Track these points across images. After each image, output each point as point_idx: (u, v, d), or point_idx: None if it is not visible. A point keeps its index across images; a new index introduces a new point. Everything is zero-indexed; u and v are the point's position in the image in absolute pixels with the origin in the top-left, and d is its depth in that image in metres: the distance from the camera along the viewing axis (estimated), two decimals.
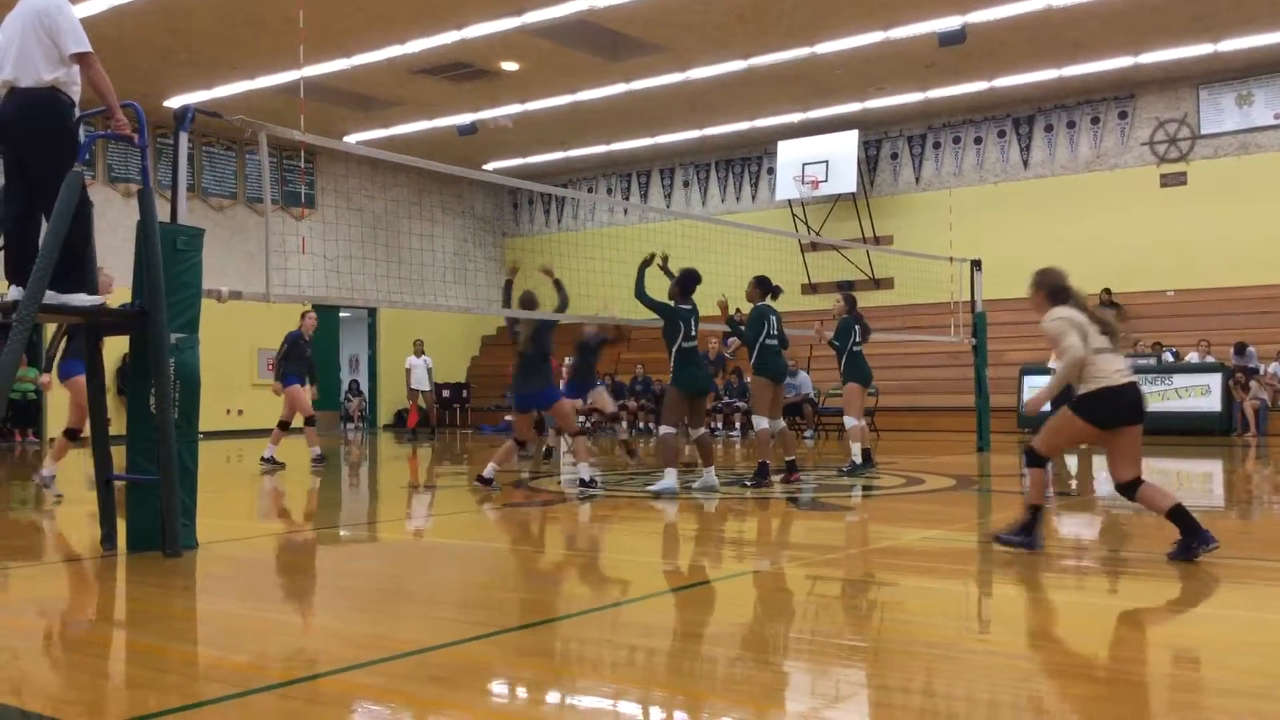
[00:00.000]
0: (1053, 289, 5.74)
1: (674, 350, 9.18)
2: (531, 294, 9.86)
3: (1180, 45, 17.59)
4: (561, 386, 12.33)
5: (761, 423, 9.66)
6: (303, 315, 12.72)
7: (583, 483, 9.30)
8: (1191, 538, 5.33)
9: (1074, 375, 5.58)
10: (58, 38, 5.73)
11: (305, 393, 12.69)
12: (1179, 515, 5.36)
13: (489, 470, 9.47)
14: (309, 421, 12.75)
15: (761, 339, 9.61)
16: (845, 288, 11.55)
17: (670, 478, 8.95)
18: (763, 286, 9.90)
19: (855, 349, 10.93)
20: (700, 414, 9.52)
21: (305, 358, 12.67)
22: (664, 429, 9.31)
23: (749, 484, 9.43)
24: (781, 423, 9.95)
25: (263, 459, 12.47)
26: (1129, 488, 5.52)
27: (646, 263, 9.36)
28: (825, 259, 22.70)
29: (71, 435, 8.99)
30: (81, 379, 8.55)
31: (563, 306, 10.17)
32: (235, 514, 8.91)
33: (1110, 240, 19.78)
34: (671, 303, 9.30)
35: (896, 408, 19.31)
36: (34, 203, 5.93)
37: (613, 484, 10.06)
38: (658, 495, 8.82)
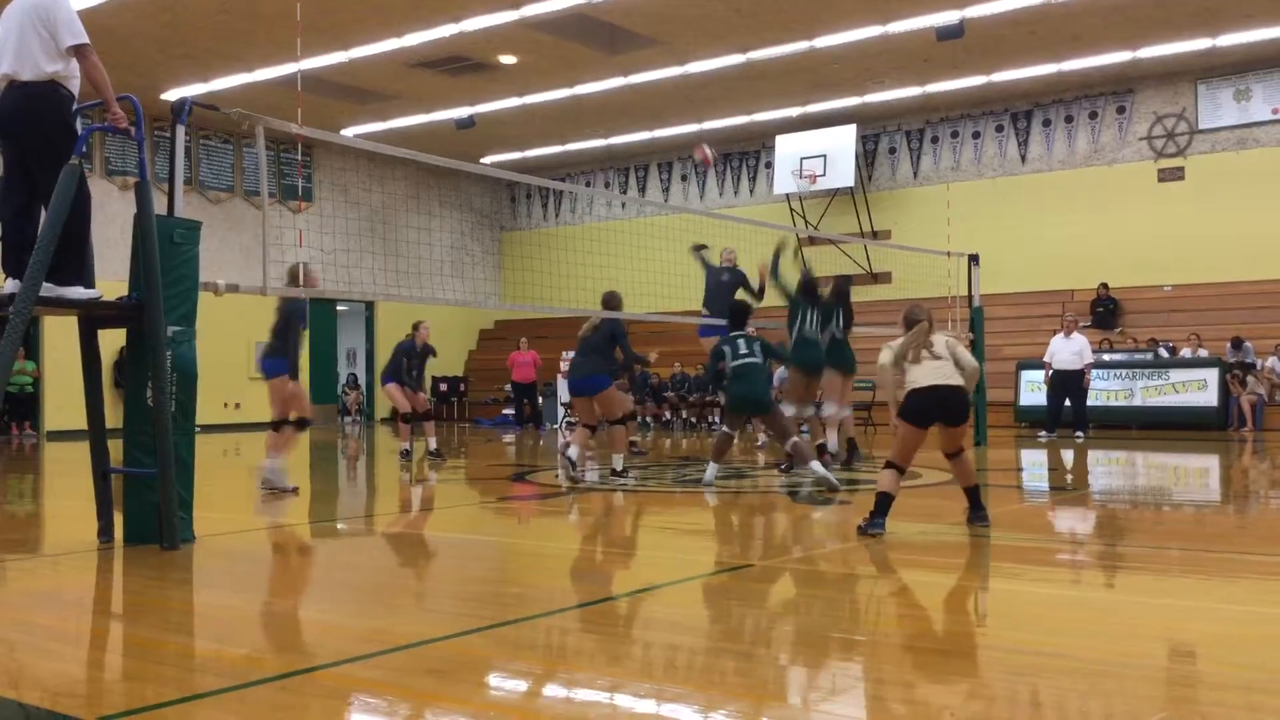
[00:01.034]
0: (907, 321, 6.71)
1: (793, 335, 10.56)
2: (615, 295, 9.98)
3: (1178, 40, 17.57)
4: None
5: (790, 409, 10.35)
6: (417, 326, 12.65)
7: (614, 472, 9.47)
8: (976, 510, 6.55)
9: (887, 387, 6.65)
10: (55, 30, 5.73)
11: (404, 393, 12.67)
12: (969, 493, 6.59)
13: (617, 463, 9.58)
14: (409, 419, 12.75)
15: (798, 330, 10.59)
16: (844, 283, 11.56)
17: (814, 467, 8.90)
18: (806, 289, 10.88)
19: (839, 337, 10.92)
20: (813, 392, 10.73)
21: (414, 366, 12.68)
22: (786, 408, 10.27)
23: (784, 468, 10.07)
24: (811, 409, 10.86)
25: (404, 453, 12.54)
26: (951, 455, 6.65)
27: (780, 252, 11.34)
28: (823, 253, 22.68)
29: (277, 426, 8.94)
30: (282, 378, 8.63)
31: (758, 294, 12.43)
32: (232, 507, 8.91)
33: (1108, 235, 19.78)
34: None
35: None
36: (33, 196, 5.92)
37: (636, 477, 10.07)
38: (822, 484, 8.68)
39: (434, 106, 20.93)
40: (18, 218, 5.92)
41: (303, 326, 9.07)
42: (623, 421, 9.89)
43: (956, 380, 6.44)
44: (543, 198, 27.55)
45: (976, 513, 6.56)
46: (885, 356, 6.59)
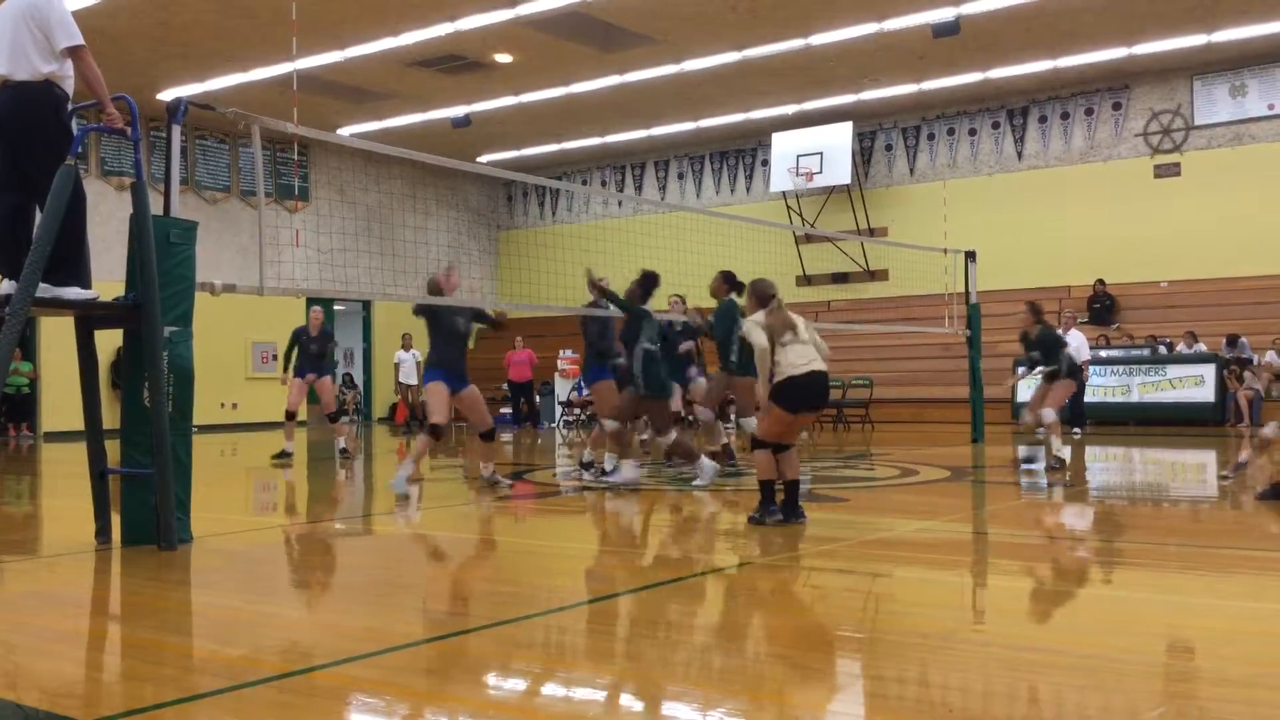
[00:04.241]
0: (761, 296, 6.67)
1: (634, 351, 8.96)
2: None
3: (1174, 36, 17.58)
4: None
5: (751, 423, 9.26)
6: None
7: (603, 472, 9.31)
8: (788, 508, 6.57)
9: (764, 367, 6.53)
10: (49, 31, 5.70)
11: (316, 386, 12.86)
12: (790, 487, 6.63)
13: (710, 459, 9.19)
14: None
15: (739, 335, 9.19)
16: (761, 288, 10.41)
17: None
18: (730, 281, 9.75)
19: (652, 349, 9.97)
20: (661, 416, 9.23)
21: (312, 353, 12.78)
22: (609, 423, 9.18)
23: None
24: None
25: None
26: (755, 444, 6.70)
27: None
28: (820, 251, 22.70)
29: (434, 432, 8.93)
30: (437, 384, 8.58)
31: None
32: (230, 507, 8.91)
33: (1104, 231, 19.79)
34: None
35: (891, 399, 19.33)
36: (29, 196, 5.91)
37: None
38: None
39: (430, 105, 20.91)
40: (13, 218, 5.90)
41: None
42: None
43: (824, 365, 6.53)
44: (539, 196, 27.54)
45: (794, 510, 6.58)
46: (760, 337, 6.46)
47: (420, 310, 9.06)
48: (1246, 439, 9.51)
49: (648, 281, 9.38)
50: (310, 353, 12.76)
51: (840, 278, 22.72)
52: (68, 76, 5.88)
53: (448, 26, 16.32)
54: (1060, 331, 15.81)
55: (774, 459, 6.52)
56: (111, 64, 17.16)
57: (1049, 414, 10.22)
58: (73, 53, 5.77)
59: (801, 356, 6.41)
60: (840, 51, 17.90)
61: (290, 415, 12.85)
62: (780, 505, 6.60)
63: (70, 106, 6.03)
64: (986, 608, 4.68)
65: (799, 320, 6.57)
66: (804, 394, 6.44)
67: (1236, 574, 5.23)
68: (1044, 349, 10.56)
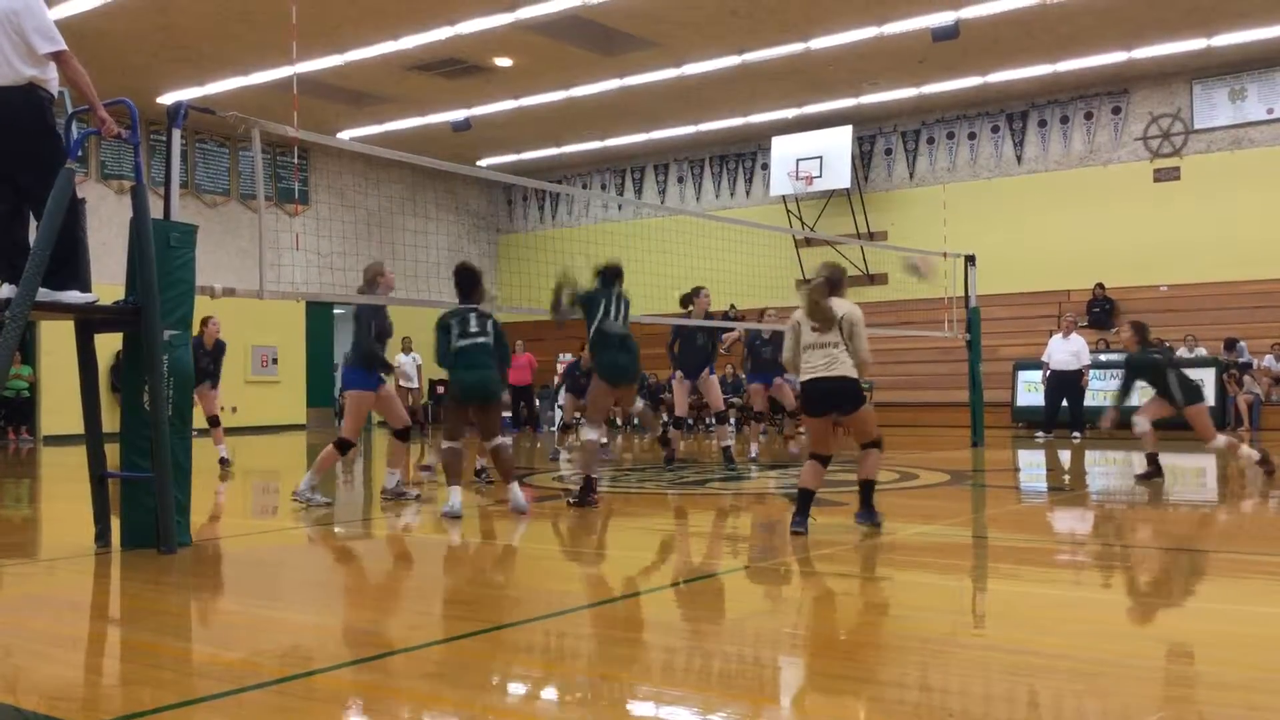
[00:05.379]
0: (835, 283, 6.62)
1: (590, 332, 8.26)
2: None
3: (1174, 40, 17.59)
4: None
5: (591, 432, 8.35)
6: (205, 322, 12.44)
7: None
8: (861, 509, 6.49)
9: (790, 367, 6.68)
10: (26, 38, 5.64)
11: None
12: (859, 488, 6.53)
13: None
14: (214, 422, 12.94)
15: (597, 323, 8.26)
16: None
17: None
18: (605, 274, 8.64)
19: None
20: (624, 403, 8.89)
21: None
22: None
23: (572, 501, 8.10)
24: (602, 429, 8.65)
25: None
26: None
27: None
28: (819, 254, 22.67)
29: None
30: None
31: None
32: (229, 511, 8.91)
33: (1103, 235, 19.79)
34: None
35: (891, 403, 19.32)
36: (19, 200, 5.89)
37: (618, 478, 10.06)
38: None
39: (430, 109, 20.92)
40: (4, 222, 5.88)
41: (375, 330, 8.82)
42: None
43: (831, 370, 6.47)
44: (539, 200, 27.55)
45: (862, 512, 6.52)
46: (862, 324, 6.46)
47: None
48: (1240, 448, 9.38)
49: (605, 272, 8.60)
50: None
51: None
52: (52, 79, 5.84)
53: (447, 30, 16.34)
54: (1059, 335, 15.94)
55: (815, 467, 6.37)
56: (111, 67, 17.18)
57: (1141, 423, 9.47)
58: (56, 58, 5.72)
59: (810, 361, 6.43)
60: (840, 55, 17.91)
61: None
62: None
63: (71, 110, 6.02)
64: (986, 612, 4.68)
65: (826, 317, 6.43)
66: (807, 399, 6.51)
67: (1237, 578, 5.22)
68: (1152, 376, 9.39)
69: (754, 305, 17.31)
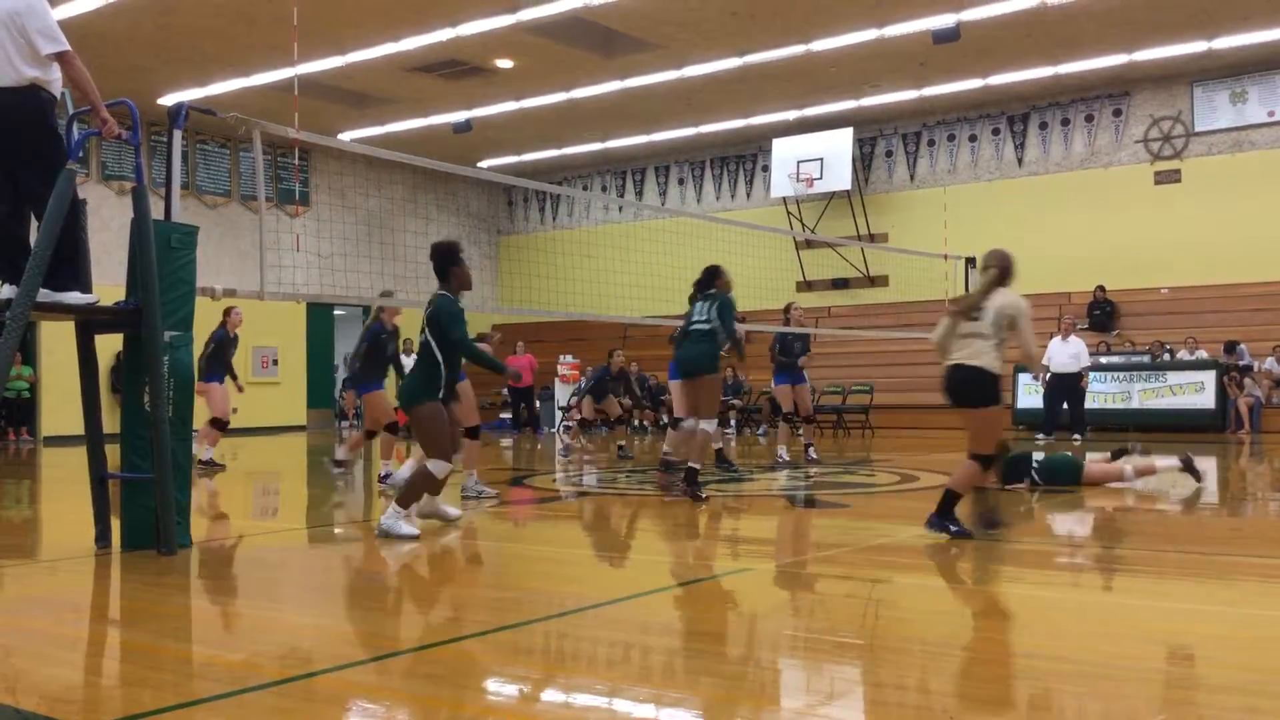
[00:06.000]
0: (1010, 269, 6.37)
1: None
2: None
3: (1174, 43, 17.60)
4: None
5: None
6: (228, 312, 12.20)
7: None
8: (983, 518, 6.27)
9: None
10: (30, 39, 5.64)
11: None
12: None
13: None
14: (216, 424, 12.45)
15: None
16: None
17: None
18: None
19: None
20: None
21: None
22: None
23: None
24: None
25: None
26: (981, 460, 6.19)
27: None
28: (820, 256, 22.71)
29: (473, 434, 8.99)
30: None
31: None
32: (230, 512, 8.90)
33: (1104, 237, 19.79)
34: None
35: (891, 405, 19.31)
36: (19, 200, 5.89)
37: (615, 480, 10.07)
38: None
39: (431, 110, 20.93)
40: (5, 222, 5.89)
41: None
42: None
43: (967, 359, 6.30)
44: (540, 201, 27.56)
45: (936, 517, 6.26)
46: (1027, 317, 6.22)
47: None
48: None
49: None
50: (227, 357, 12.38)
51: (840, 283, 22.72)
52: (55, 80, 5.84)
53: (449, 32, 16.34)
54: (1059, 338, 15.92)
55: (971, 467, 6.14)
56: (113, 68, 17.19)
57: None
58: (59, 59, 5.72)
59: (957, 348, 6.32)
60: (841, 57, 17.92)
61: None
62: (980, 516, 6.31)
63: (72, 111, 6.02)
64: (986, 614, 4.67)
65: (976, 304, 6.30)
66: (943, 386, 6.39)
67: (1237, 581, 5.22)
68: None
69: (753, 307, 17.29)
